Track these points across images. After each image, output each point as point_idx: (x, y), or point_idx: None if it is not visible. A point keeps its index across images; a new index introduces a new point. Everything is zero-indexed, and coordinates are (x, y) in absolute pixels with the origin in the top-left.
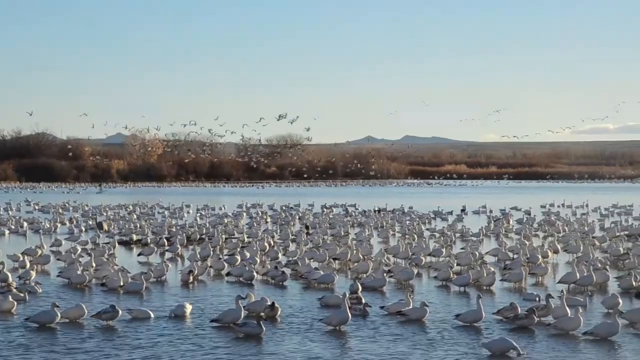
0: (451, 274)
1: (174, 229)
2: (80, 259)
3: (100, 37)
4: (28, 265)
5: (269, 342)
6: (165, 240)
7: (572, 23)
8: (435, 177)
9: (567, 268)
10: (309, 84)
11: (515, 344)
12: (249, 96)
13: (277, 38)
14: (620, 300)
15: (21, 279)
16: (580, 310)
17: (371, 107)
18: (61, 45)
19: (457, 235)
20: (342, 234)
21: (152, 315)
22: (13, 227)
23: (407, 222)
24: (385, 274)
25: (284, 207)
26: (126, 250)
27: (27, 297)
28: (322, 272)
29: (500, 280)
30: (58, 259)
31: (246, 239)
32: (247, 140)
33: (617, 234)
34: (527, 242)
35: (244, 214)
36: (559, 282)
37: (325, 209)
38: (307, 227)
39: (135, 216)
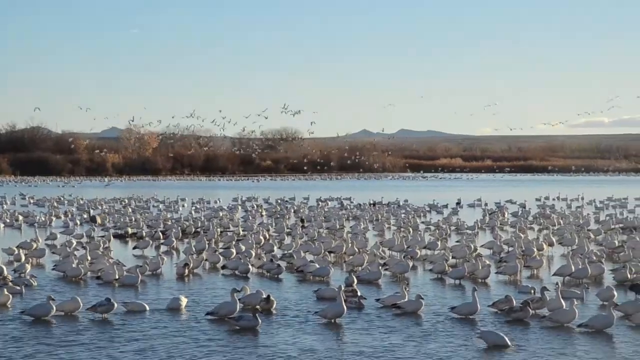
0: (446, 267)
1: (169, 223)
2: (75, 253)
3: (98, 30)
4: (23, 258)
5: (264, 334)
6: (160, 233)
7: (566, 17)
8: (432, 171)
9: (562, 261)
10: (305, 77)
11: (504, 339)
12: (246, 90)
13: (273, 31)
14: (615, 293)
15: (16, 273)
16: (576, 303)
17: (367, 100)
18: (58, 38)
19: (453, 228)
20: (338, 227)
21: (148, 308)
22: (8, 220)
23: (403, 215)
24: (380, 267)
25: (279, 201)
26: (121, 244)
27: (23, 290)
28: (317, 265)
29: (496, 272)
30: (53, 253)
31: (241, 232)
32: (248, 132)
33: (612, 226)
34: (522, 235)
35: (239, 207)
36: (554, 274)
37: (320, 202)
38: (302, 221)
39: (130, 209)
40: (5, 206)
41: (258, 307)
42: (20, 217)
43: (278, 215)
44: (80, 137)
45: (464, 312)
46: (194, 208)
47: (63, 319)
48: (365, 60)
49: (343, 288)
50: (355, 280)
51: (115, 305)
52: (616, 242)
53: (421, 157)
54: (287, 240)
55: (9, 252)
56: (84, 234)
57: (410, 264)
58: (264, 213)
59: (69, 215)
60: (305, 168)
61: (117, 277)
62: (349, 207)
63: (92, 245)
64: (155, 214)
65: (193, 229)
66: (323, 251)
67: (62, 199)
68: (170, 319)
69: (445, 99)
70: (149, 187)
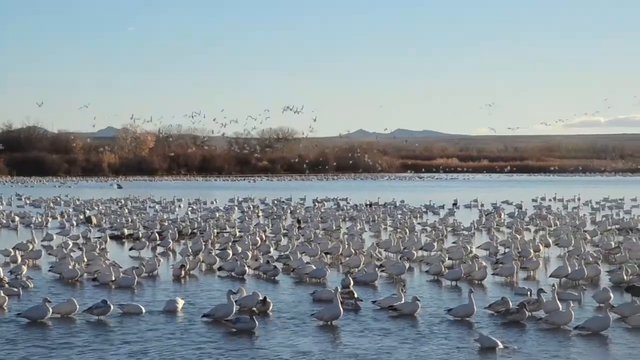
0: (443, 268)
1: (165, 224)
2: (71, 254)
3: (98, 29)
4: (19, 260)
5: (259, 336)
6: (156, 234)
7: (564, 17)
8: (433, 170)
9: (559, 262)
10: (304, 77)
11: (495, 342)
12: (245, 90)
13: (272, 31)
14: (612, 294)
15: (12, 274)
16: (572, 305)
17: (363, 100)
18: (57, 38)
19: (449, 229)
20: (334, 228)
21: (144, 310)
22: (4, 221)
23: (399, 216)
24: (376, 269)
25: (275, 201)
26: (118, 245)
27: (21, 292)
28: (313, 267)
29: (492, 274)
30: (49, 254)
31: (238, 233)
32: (244, 132)
33: (609, 227)
34: (519, 236)
35: (236, 208)
36: (551, 276)
37: (316, 203)
38: (298, 221)
39: (126, 210)
40: (1, 207)
41: (254, 309)
42: (17, 218)
43: (274, 216)
44: (76, 137)
45: (460, 314)
46: (190, 209)
47: (59, 321)
48: (362, 60)
49: (339, 290)
50: (352, 282)
51: (112, 307)
52: (612, 243)
53: (418, 157)
54: (284, 241)
55: (5, 254)
56: (80, 235)
57: (407, 265)
58: (260, 214)
59: (65, 216)
60: (305, 166)
61: (113, 278)
62: (345, 207)
63: (88, 247)
64: (151, 215)
65: (189, 230)
66: (319, 252)
67: (58, 199)
68: (166, 321)
69: (442, 99)
70: (145, 187)
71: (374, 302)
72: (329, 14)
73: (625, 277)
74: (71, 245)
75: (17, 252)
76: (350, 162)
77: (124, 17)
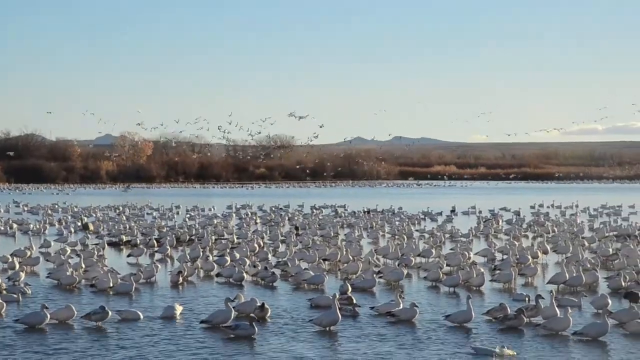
0: (441, 275)
1: (163, 230)
2: (69, 260)
3: (100, 34)
4: (17, 266)
5: (257, 342)
6: (154, 241)
7: (562, 25)
8: (429, 177)
9: (557, 268)
10: (303, 84)
11: (490, 350)
12: (245, 92)
13: (266, 38)
14: (610, 301)
15: (10, 280)
16: (570, 311)
17: (360, 107)
18: (54, 44)
19: (447, 236)
20: (332, 234)
21: (142, 317)
22: (2, 228)
23: (397, 222)
24: (375, 275)
25: (273, 208)
26: (116, 252)
27: (20, 298)
28: (312, 273)
29: (490, 280)
30: (47, 260)
31: (236, 240)
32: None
33: (606, 234)
34: (517, 243)
35: (234, 214)
36: (549, 282)
37: (314, 210)
38: (296, 228)
39: (124, 217)
40: None
41: (253, 315)
42: (15, 225)
43: (272, 223)
44: (75, 145)
45: (458, 320)
46: (188, 216)
47: (56, 327)
48: (360, 68)
49: (338, 296)
50: (350, 288)
51: (110, 313)
52: (610, 249)
53: (415, 164)
54: (282, 247)
55: (3, 260)
56: (78, 242)
57: (405, 271)
58: (258, 221)
59: (63, 223)
60: (308, 171)
61: (111, 285)
62: (343, 214)
63: (86, 253)
64: (149, 222)
65: (187, 237)
66: (317, 259)
67: (56, 206)
68: (164, 327)
69: (439, 107)
70: (143, 194)
71: (372, 308)
72: (327, 20)
73: (623, 284)
74: (69, 251)
75: (15, 258)
76: (355, 167)
77: (125, 17)
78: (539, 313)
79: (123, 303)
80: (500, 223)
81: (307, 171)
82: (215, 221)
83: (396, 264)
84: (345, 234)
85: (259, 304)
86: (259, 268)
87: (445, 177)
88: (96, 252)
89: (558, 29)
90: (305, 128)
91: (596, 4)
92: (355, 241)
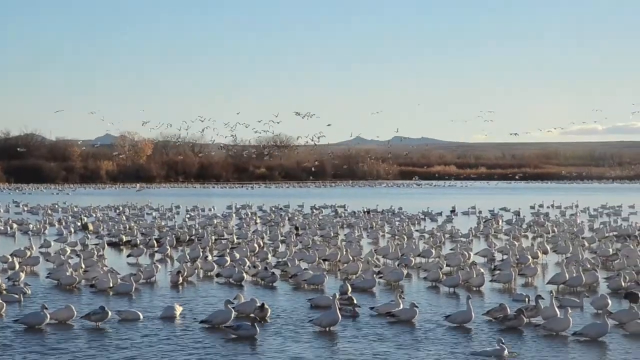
0: (441, 275)
1: (163, 230)
2: (69, 260)
3: (100, 34)
4: (17, 266)
5: (257, 342)
6: (154, 241)
7: (561, 24)
8: (436, 176)
9: (557, 269)
10: (298, 85)
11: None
12: (244, 92)
13: (266, 38)
14: (610, 301)
15: (10, 281)
16: (570, 311)
17: (360, 107)
18: (54, 44)
19: (447, 236)
20: (332, 234)
21: (142, 317)
22: (2, 228)
23: (397, 223)
24: (374, 275)
25: (273, 208)
26: (115, 252)
27: (21, 298)
28: (312, 273)
29: (490, 281)
30: (47, 260)
31: (236, 240)
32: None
33: (606, 234)
34: (517, 243)
35: (234, 215)
36: (549, 282)
37: (314, 210)
38: (296, 228)
39: (124, 217)
40: None
41: (252, 315)
42: (14, 225)
43: (272, 223)
44: (78, 144)
45: (458, 321)
46: (188, 216)
47: (56, 327)
48: (360, 68)
49: (338, 296)
50: (350, 288)
51: (110, 313)
52: (610, 250)
53: (415, 164)
54: (282, 248)
55: (2, 260)
56: (78, 242)
57: (405, 271)
58: (258, 221)
59: (63, 223)
60: (313, 169)
61: (111, 285)
62: (343, 214)
63: (86, 253)
64: (149, 222)
65: (187, 237)
66: (317, 259)
67: (56, 206)
68: (164, 327)
69: (439, 107)
70: (143, 194)
71: (372, 308)
72: (320, 21)
73: (623, 284)
74: (69, 252)
75: (15, 258)
76: (349, 169)
77: (124, 17)
78: (539, 313)
79: (123, 303)
80: (500, 223)
81: (313, 169)
82: (215, 221)
83: (396, 264)
84: (345, 234)
85: (258, 304)
86: (259, 268)
87: (446, 177)
88: (96, 252)
89: (558, 29)
90: (308, 128)
91: (596, 4)
92: (355, 241)
